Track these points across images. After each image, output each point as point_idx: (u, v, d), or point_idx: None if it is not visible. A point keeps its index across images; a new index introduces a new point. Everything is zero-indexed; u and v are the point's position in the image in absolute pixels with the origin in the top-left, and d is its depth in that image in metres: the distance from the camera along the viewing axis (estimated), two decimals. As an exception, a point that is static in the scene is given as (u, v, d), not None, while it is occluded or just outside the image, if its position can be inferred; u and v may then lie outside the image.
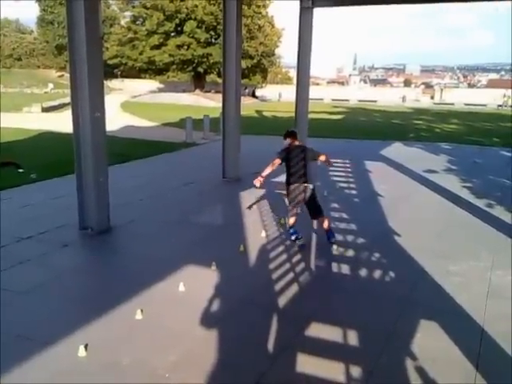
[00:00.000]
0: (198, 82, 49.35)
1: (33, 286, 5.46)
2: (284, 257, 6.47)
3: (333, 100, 45.14)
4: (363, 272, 6.00)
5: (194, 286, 5.46)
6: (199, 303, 5.03)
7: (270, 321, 4.73)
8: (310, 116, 16.19)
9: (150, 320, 4.70)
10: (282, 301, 5.18)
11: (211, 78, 49.64)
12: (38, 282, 5.58)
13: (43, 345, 4.23)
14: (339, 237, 7.23)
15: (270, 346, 4.31)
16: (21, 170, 11.73)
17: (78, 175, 7.33)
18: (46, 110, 31.10)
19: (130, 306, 4.91)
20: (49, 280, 5.70)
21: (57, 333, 4.41)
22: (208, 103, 35.79)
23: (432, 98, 51.33)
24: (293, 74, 54.32)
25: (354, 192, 10.43)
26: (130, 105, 35.14)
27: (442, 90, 55.45)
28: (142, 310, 4.76)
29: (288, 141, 6.90)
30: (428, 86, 74.42)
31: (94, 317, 4.71)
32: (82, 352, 4.08)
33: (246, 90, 46.67)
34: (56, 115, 27.83)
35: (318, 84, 64.79)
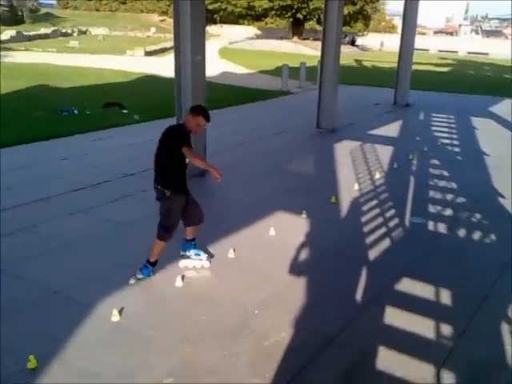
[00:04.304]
0: (297, 28, 48.06)
1: (133, 219, 5.84)
2: (377, 211, 6.33)
3: (439, 51, 42.16)
4: (461, 232, 5.74)
5: (284, 231, 5.55)
6: (289, 248, 5.12)
7: (359, 272, 4.70)
8: (414, 67, 15.34)
9: (241, 260, 4.87)
10: (373, 254, 5.11)
11: (310, 24, 48.06)
12: (138, 216, 5.95)
13: (143, 273, 4.52)
14: (437, 195, 6.92)
15: (358, 296, 4.31)
16: (125, 111, 12.32)
17: (178, 118, 7.55)
18: (148, 53, 32.07)
19: (224, 245, 5.10)
20: (148, 214, 6.00)
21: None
22: (305, 51, 34.94)
23: (553, 51, 46.28)
24: (397, 22, 51.32)
25: (456, 149, 9.85)
26: (227, 51, 35.21)
27: None
28: (234, 250, 4.93)
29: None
30: (550, 38, 66.93)
31: (189, 252, 4.94)
32: (179, 283, 4.34)
33: (346, 38, 44.76)
34: (157, 59, 28.60)
35: (423, 34, 60.61)
